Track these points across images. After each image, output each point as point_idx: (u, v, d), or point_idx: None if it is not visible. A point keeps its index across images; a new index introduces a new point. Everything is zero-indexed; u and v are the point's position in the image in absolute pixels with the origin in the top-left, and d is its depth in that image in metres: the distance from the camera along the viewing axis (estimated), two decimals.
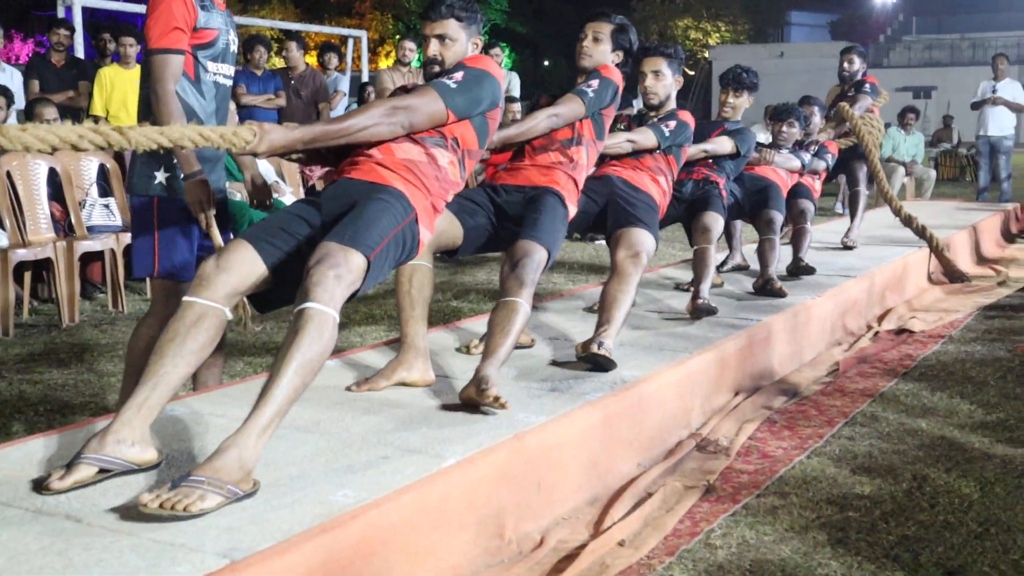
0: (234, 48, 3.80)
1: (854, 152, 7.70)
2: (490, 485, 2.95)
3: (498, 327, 3.61)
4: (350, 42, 15.84)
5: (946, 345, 5.77)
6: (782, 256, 6.02)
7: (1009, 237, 10.34)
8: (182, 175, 3.56)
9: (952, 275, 7.68)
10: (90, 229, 6.72)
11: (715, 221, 5.34)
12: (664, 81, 4.91)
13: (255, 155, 2.91)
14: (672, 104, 4.98)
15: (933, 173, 14.17)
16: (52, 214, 6.61)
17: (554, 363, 4.09)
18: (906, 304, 6.78)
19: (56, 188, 6.67)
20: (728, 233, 6.50)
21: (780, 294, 5.56)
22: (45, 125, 2.38)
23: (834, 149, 7.36)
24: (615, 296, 4.23)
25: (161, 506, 2.43)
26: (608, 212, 4.59)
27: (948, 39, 53.20)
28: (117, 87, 8.29)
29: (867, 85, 7.82)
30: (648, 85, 4.92)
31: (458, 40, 3.54)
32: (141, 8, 14.77)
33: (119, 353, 5.54)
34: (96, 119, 8.20)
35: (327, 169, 3.45)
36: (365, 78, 15.39)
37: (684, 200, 5.46)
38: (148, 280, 7.07)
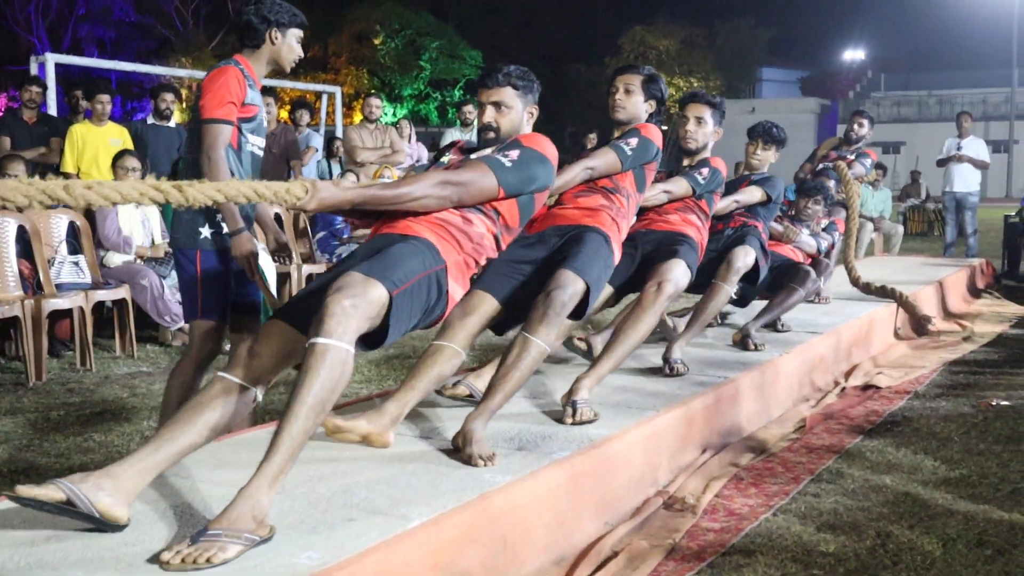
0: (266, 123, 4.27)
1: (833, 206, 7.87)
2: (455, 546, 2.95)
3: (503, 369, 3.64)
4: (324, 97, 15.94)
5: (912, 401, 5.82)
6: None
7: (975, 292, 10.47)
8: (227, 231, 4.00)
9: (917, 324, 7.77)
10: (59, 287, 6.71)
11: (745, 253, 5.30)
12: (705, 128, 5.05)
13: (304, 211, 2.97)
14: (708, 152, 5.10)
15: (901, 228, 14.35)
16: (20, 271, 6.60)
17: (544, 411, 4.20)
18: (872, 360, 6.84)
19: (24, 246, 6.67)
20: None
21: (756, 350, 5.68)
22: (110, 182, 2.42)
23: (842, 228, 7.52)
24: (619, 335, 4.31)
25: (183, 560, 2.50)
26: (645, 263, 4.63)
27: (916, 96, 54.09)
28: (88, 143, 8.33)
29: (869, 160, 8.14)
30: (689, 130, 5.04)
31: (514, 108, 3.62)
32: (115, 65, 14.86)
33: (86, 412, 5.52)
34: (67, 175, 8.22)
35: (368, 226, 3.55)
36: (339, 133, 15.48)
37: (721, 247, 5.47)
38: (160, 329, 7.06)
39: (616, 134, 4.39)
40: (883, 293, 7.70)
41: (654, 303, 4.32)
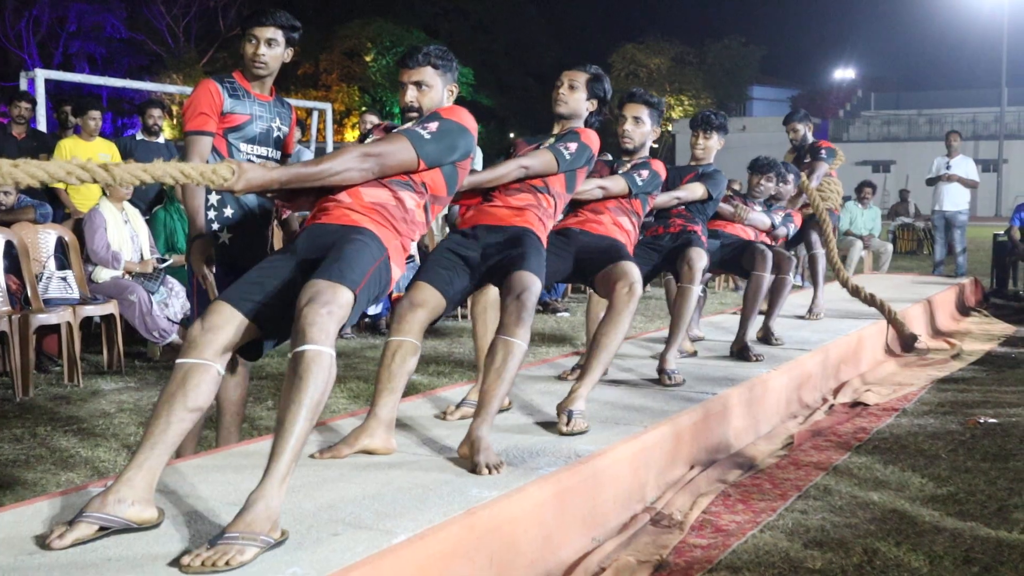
0: (278, 134, 4.22)
1: (809, 219, 7.86)
2: (441, 561, 2.94)
3: (493, 372, 3.72)
4: (315, 114, 15.98)
5: (900, 418, 5.83)
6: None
7: (964, 311, 10.50)
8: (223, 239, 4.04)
9: (904, 341, 7.78)
10: (47, 302, 6.69)
11: (699, 256, 5.32)
12: (642, 128, 5.02)
13: (232, 192, 3.02)
14: (646, 152, 5.08)
15: (890, 247, 14.39)
16: (8, 287, 6.58)
17: (548, 424, 4.23)
18: (861, 377, 6.85)
19: (12, 260, 6.65)
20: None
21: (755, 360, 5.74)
22: (36, 161, 2.47)
23: (798, 220, 7.45)
24: (600, 340, 4.35)
25: (203, 564, 2.58)
26: (581, 263, 4.66)
27: (905, 115, 54.39)
28: (78, 159, 8.31)
29: (823, 151, 7.95)
30: (626, 129, 5.02)
31: (434, 87, 3.69)
32: (105, 81, 14.87)
33: (73, 428, 5.50)
34: (55, 191, 8.21)
35: (297, 207, 3.63)
36: (330, 150, 15.51)
37: (665, 251, 5.53)
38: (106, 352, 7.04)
39: (555, 128, 4.42)
40: (871, 302, 7.67)
41: (628, 304, 4.37)
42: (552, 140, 4.32)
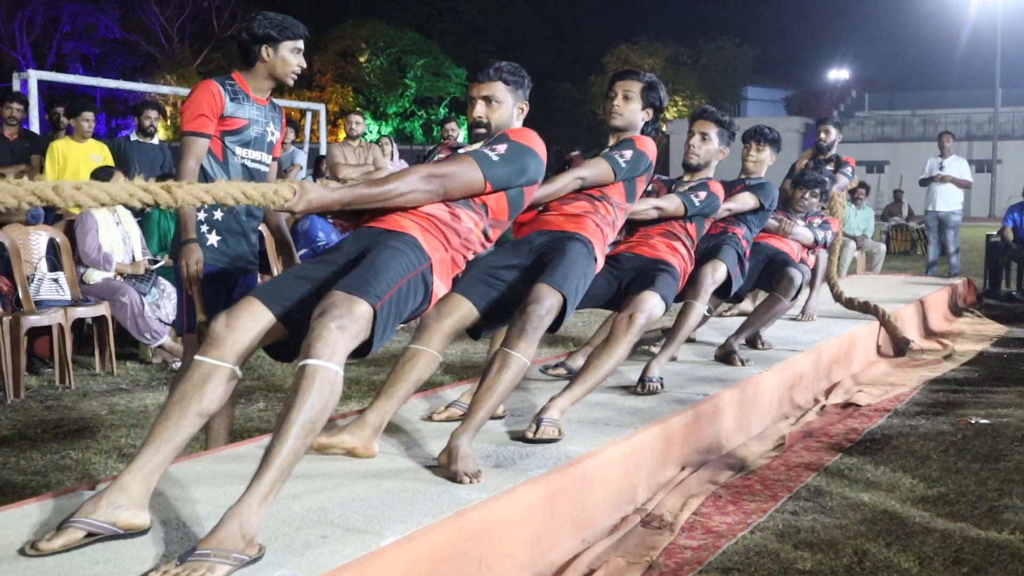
0: (271, 139, 4.24)
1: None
2: (430, 563, 2.94)
3: (486, 384, 3.63)
4: (308, 115, 15.95)
5: (891, 419, 5.84)
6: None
7: (956, 311, 10.51)
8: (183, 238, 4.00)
9: (897, 344, 7.80)
10: (38, 304, 6.68)
11: (713, 271, 5.21)
12: (709, 145, 5.02)
13: (292, 213, 2.98)
14: (711, 172, 5.06)
15: (883, 247, 14.41)
16: (0, 288, 6.57)
17: (511, 435, 4.14)
18: (853, 378, 6.86)
19: (4, 262, 6.64)
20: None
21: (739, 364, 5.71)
22: (97, 182, 2.44)
23: (835, 226, 7.47)
24: (591, 363, 4.25)
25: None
26: (625, 284, 4.61)
27: (899, 115, 54.46)
28: (70, 160, 8.31)
29: (849, 168, 8.22)
30: (693, 144, 5.02)
31: (504, 103, 3.62)
32: (99, 82, 14.84)
33: (64, 430, 5.49)
34: None
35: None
36: (323, 151, 15.49)
37: (700, 251, 5.36)
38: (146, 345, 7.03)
39: (611, 141, 4.35)
40: (866, 309, 7.73)
41: (627, 334, 4.27)
42: (607, 150, 4.26)
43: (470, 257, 3.51)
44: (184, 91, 20.35)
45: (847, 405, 6.13)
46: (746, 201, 5.64)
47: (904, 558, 3.64)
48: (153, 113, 9.14)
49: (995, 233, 12.98)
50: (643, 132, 4.39)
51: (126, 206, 2.53)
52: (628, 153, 4.22)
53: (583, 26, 60.81)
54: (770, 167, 5.99)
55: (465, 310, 3.82)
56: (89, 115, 8.54)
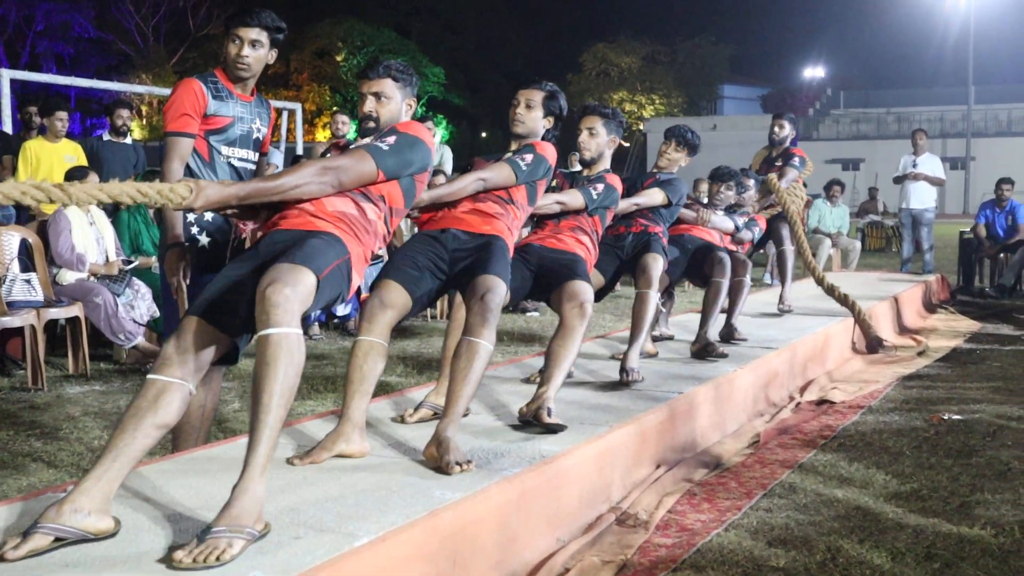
0: (258, 135, 4.19)
1: (778, 216, 7.98)
2: (403, 563, 2.93)
3: (460, 374, 3.77)
4: (285, 114, 15.90)
5: (865, 415, 5.87)
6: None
7: (930, 307, 10.58)
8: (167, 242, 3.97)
9: (870, 343, 7.84)
10: (11, 304, 6.62)
11: (655, 260, 5.45)
12: (598, 139, 5.10)
13: (191, 210, 3.05)
14: (606, 164, 5.16)
15: (858, 244, 14.49)
16: None
17: (514, 427, 4.23)
18: (827, 375, 6.89)
19: None
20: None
21: (720, 355, 5.82)
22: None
23: (762, 223, 7.56)
24: (558, 352, 4.39)
25: (195, 560, 2.62)
26: (541, 278, 4.71)
27: (874, 113, 54.78)
28: (43, 160, 8.25)
29: (796, 159, 8.19)
30: (582, 141, 5.12)
31: (393, 99, 3.71)
32: (73, 81, 14.74)
33: (35, 432, 5.46)
34: None
35: (257, 225, 3.54)
36: (300, 150, 15.45)
37: (626, 253, 5.62)
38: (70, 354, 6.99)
39: (512, 147, 4.46)
40: (843, 302, 7.77)
41: (578, 324, 4.44)
42: (509, 155, 4.36)
43: (376, 249, 3.58)
44: (159, 90, 20.27)
45: (822, 402, 6.16)
46: (654, 196, 5.75)
47: (876, 554, 3.66)
48: (125, 112, 9.08)
49: (968, 230, 13.07)
50: (544, 138, 4.49)
51: (17, 203, 2.57)
52: (529, 157, 4.33)
53: (560, 25, 60.88)
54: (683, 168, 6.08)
55: (403, 300, 3.95)
56: (63, 115, 8.48)
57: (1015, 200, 12.73)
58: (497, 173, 4.23)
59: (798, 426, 5.58)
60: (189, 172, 3.99)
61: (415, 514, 3.09)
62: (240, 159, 4.12)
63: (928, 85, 57.54)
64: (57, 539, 2.75)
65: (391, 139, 3.54)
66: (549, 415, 4.18)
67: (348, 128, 10.21)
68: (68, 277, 7.10)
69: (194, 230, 4.06)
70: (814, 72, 61.99)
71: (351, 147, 3.59)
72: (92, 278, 7.19)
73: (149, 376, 3.02)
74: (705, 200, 6.89)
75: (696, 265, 6.40)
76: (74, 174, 7.28)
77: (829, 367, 7.13)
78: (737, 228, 6.81)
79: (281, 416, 2.86)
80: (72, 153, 8.48)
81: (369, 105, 3.71)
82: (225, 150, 4.06)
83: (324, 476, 3.48)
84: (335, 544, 2.82)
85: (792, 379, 6.47)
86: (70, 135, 8.82)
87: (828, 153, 46.55)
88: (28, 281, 6.76)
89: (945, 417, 5.73)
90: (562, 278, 4.60)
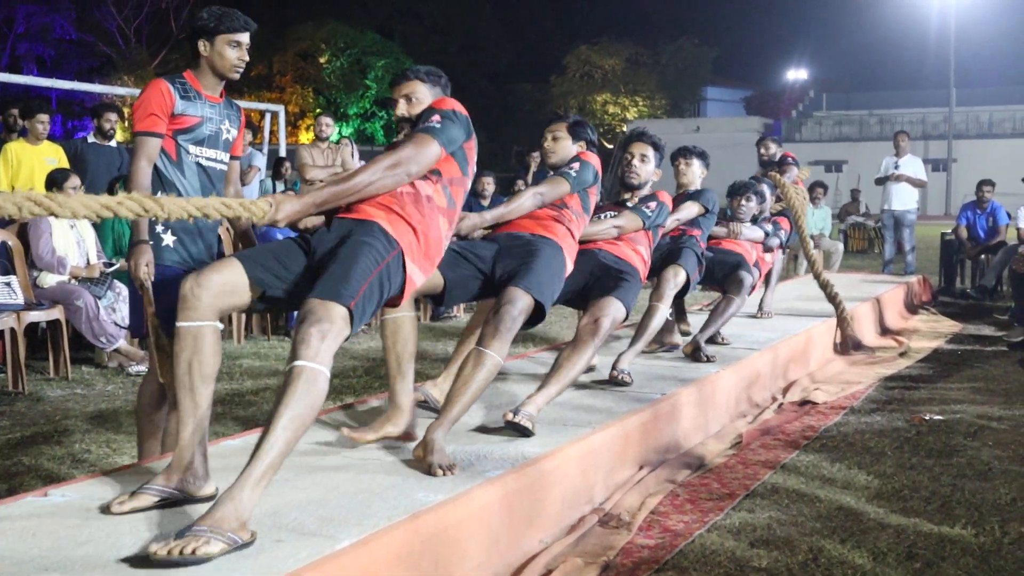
0: (227, 136, 4.19)
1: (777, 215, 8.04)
2: (386, 566, 2.93)
3: (460, 380, 3.87)
4: (268, 116, 15.84)
5: (847, 416, 5.89)
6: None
7: (912, 308, 10.63)
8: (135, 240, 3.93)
9: (846, 344, 7.87)
10: None
11: (675, 275, 5.68)
12: (648, 166, 5.33)
13: (275, 224, 3.18)
14: (649, 188, 5.37)
15: (840, 246, 14.53)
16: None
17: (480, 429, 4.23)
18: (810, 376, 6.91)
19: None
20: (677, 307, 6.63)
21: (708, 360, 5.91)
22: (86, 194, 2.68)
23: (786, 225, 7.67)
24: (562, 364, 4.47)
25: (169, 552, 2.67)
26: (590, 287, 4.85)
27: (857, 115, 54.96)
28: (24, 162, 8.20)
29: (790, 159, 8.30)
30: (634, 165, 5.32)
31: (423, 100, 3.85)
32: (54, 83, 14.68)
33: (17, 436, 5.43)
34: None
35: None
36: (283, 152, 15.40)
37: (663, 252, 5.80)
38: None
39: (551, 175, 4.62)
40: (832, 301, 7.79)
41: (593, 339, 4.53)
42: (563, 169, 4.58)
43: (441, 226, 3.59)
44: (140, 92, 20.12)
45: (804, 403, 6.18)
46: (691, 210, 6.01)
47: (858, 554, 3.68)
48: (113, 116, 9.05)
49: (950, 232, 13.13)
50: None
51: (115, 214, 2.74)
52: (576, 165, 4.58)
53: (544, 27, 60.86)
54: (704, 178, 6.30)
55: (432, 279, 4.01)
56: (44, 117, 8.42)
57: (996, 201, 12.81)
58: (551, 186, 4.45)
59: (780, 427, 5.59)
60: (157, 172, 3.99)
61: (397, 516, 3.09)
62: (208, 159, 4.12)
63: (910, 87, 57.81)
64: (162, 500, 3.12)
65: (435, 118, 3.62)
66: (517, 416, 4.11)
67: (332, 130, 10.19)
68: (49, 280, 7.07)
69: (158, 228, 4.04)
70: (797, 74, 62.25)
71: (403, 137, 3.62)
72: (73, 281, 7.16)
73: (177, 324, 3.20)
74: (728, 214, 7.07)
75: (720, 275, 6.59)
76: (55, 176, 7.23)
77: (811, 368, 7.15)
78: (768, 234, 7.14)
79: (288, 440, 2.92)
80: (53, 155, 8.43)
81: (401, 108, 3.85)
82: (193, 149, 4.05)
83: (307, 478, 3.47)
84: (317, 547, 2.82)
85: (775, 380, 6.49)
86: (51, 137, 8.75)
87: (811, 155, 46.69)
88: (8, 284, 6.72)
89: (926, 417, 5.75)
90: (600, 293, 4.75)
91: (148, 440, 4.17)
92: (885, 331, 9.06)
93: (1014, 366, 7.47)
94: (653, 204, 5.26)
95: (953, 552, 3.70)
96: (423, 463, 3.61)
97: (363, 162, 11.34)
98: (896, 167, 12.86)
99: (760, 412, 5.90)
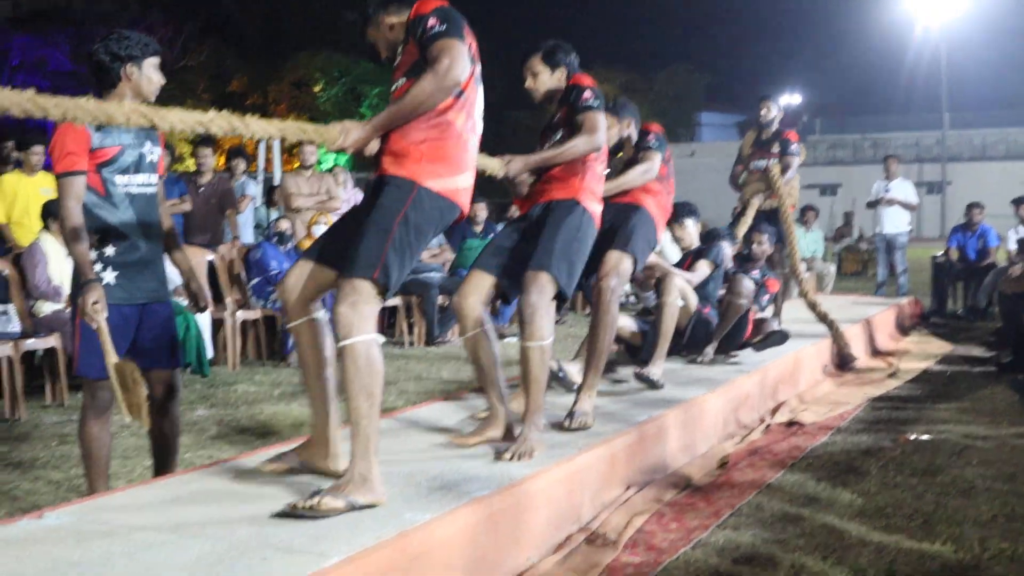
0: (152, 158, 4.13)
1: (773, 213, 8.07)
2: None
3: (523, 381, 4.31)
4: (262, 145, 15.96)
5: (834, 436, 5.96)
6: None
7: (904, 330, 10.70)
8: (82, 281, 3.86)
9: (843, 358, 7.93)
10: None
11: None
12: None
13: (343, 150, 3.44)
14: (634, 127, 5.54)
15: (833, 268, 14.63)
16: None
17: (485, 452, 4.30)
18: (798, 397, 6.98)
19: None
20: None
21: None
22: (98, 102, 2.95)
23: (773, 288, 7.45)
24: (589, 338, 4.93)
25: (306, 507, 3.24)
26: (599, 245, 4.81)
27: (850, 139, 55.14)
28: (20, 194, 8.28)
29: (793, 146, 8.23)
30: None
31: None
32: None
33: (14, 460, 5.49)
34: None
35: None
36: (278, 180, 15.49)
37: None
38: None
39: (554, 110, 4.62)
40: (823, 319, 7.89)
41: (610, 300, 4.85)
42: (565, 110, 4.54)
43: (462, 123, 3.63)
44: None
45: (792, 423, 6.24)
46: (703, 270, 6.39)
47: (839, 570, 3.74)
48: None
49: (940, 254, 13.23)
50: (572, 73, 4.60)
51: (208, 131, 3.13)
52: (651, 138, 5.23)
53: None
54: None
55: (487, 284, 4.43)
56: (38, 148, 8.49)
57: (986, 224, 12.91)
58: (588, 125, 4.40)
59: (768, 447, 5.66)
60: (87, 210, 3.94)
61: (385, 535, 3.16)
62: (140, 185, 4.07)
63: (903, 111, 58.05)
64: (294, 470, 3.74)
65: (432, 20, 3.51)
66: (571, 419, 4.65)
67: (315, 157, 10.24)
68: (45, 308, 7.13)
69: (98, 267, 3.99)
70: (790, 99, 62.31)
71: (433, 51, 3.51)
72: (69, 309, 7.21)
73: (288, 327, 3.74)
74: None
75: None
76: (51, 207, 7.31)
77: (800, 389, 7.21)
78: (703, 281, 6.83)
79: (366, 411, 3.37)
80: (49, 186, 8.49)
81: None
82: (120, 179, 4.01)
83: (295, 496, 3.52)
84: (305, 564, 2.88)
85: (763, 401, 6.55)
86: (47, 168, 8.85)
87: (805, 179, 46.53)
88: (5, 312, 6.79)
89: (912, 437, 5.82)
90: (607, 247, 4.92)
91: (97, 476, 4.18)
92: (876, 352, 9.13)
93: (1002, 386, 7.53)
94: (650, 137, 5.33)
95: (932, 568, 3.76)
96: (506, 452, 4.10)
97: (357, 189, 11.39)
98: (887, 191, 12.98)
99: (747, 433, 5.96)
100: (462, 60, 3.47)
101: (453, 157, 3.59)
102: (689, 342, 6.56)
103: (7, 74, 40.22)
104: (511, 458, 4.06)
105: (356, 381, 3.35)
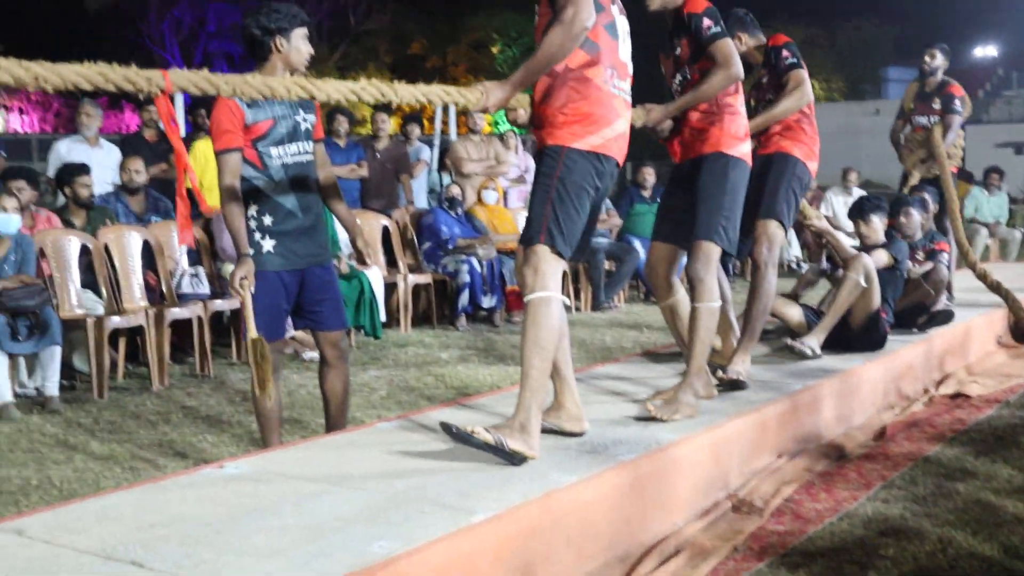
0: (306, 126, 4.32)
1: (934, 181, 7.81)
2: (519, 540, 3.18)
3: (689, 341, 4.50)
4: (439, 108, 16.26)
5: (1001, 410, 5.82)
6: None
7: None
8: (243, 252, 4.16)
9: (1020, 329, 7.64)
10: (180, 297, 7.14)
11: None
12: None
13: (485, 111, 3.65)
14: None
15: (1019, 234, 13.99)
16: (147, 282, 7.06)
17: (633, 416, 4.42)
18: (966, 368, 6.81)
19: (150, 258, 7.12)
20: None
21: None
22: (262, 77, 3.30)
23: (945, 248, 7.12)
24: (748, 308, 5.11)
25: (465, 430, 3.54)
26: (752, 196, 4.80)
27: None
28: (211, 160, 8.69)
29: (956, 100, 7.83)
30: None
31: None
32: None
33: (203, 415, 5.93)
34: (190, 191, 8.67)
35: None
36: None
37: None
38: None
39: (670, 20, 4.60)
40: (995, 288, 7.52)
41: (765, 268, 5.03)
42: (686, 42, 4.50)
43: (606, 78, 3.75)
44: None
45: (957, 395, 6.12)
46: (880, 258, 6.15)
47: (988, 547, 3.71)
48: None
49: None
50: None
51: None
52: (787, 53, 5.09)
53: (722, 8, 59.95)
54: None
55: (664, 251, 4.74)
56: None
57: None
58: (722, 57, 4.33)
59: (929, 419, 5.59)
60: (247, 183, 4.19)
61: (532, 494, 3.33)
62: (294, 155, 4.26)
63: None
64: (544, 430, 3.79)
65: None
66: (725, 371, 4.84)
67: (388, 125, 10.26)
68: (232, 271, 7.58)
69: (257, 236, 4.24)
70: (984, 51, 59.42)
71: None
72: None
73: (551, 296, 3.70)
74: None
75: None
76: None
77: (970, 360, 7.04)
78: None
79: (537, 364, 3.61)
80: None
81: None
82: (276, 152, 4.21)
83: (447, 455, 3.73)
84: (455, 519, 3.09)
85: (928, 372, 6.44)
86: None
87: (999, 136, 44.49)
88: (196, 275, 7.26)
89: None
90: (754, 210, 4.97)
91: (271, 431, 4.46)
92: None
93: None
94: (785, 53, 5.12)
95: None
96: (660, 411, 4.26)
97: (527, 153, 11.42)
98: None
99: (909, 404, 5.88)
100: (587, 7, 3.54)
101: (596, 114, 3.71)
102: (860, 339, 5.97)
103: (203, 39, 42.09)
104: (659, 416, 4.22)
105: (531, 333, 3.60)
